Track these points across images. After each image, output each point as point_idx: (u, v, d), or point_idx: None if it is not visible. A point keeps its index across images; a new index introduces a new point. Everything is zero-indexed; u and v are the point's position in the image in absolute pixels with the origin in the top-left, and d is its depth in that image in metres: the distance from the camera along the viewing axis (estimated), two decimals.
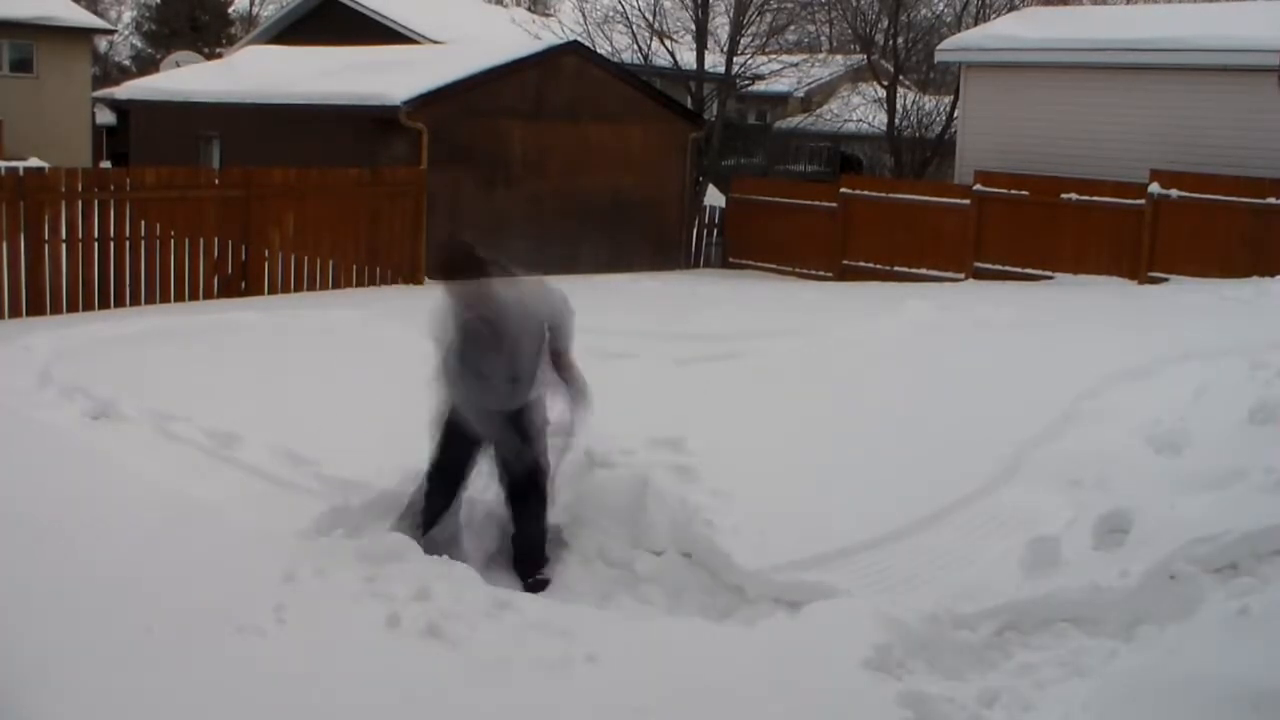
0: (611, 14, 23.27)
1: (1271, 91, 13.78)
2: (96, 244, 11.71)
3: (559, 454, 5.54)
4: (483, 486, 5.64)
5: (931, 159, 25.06)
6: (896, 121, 25.53)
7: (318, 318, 10.82)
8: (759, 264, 18.53)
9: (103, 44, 40.13)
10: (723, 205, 19.76)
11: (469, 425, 5.30)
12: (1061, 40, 17.34)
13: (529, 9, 35.27)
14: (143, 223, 12.11)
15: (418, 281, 14.74)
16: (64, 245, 11.44)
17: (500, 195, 16.27)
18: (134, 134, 20.32)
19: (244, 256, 12.91)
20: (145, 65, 38.96)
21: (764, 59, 24.31)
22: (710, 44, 22.84)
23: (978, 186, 16.35)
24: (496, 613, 4.47)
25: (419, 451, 6.30)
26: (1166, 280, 14.34)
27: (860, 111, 28.47)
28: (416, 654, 4.17)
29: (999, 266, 15.94)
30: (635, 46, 23.04)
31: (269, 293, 13.07)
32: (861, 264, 17.29)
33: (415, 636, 4.28)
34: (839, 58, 34.68)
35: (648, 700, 3.92)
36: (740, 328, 10.15)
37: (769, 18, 23.60)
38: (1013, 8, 25.52)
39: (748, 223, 18.98)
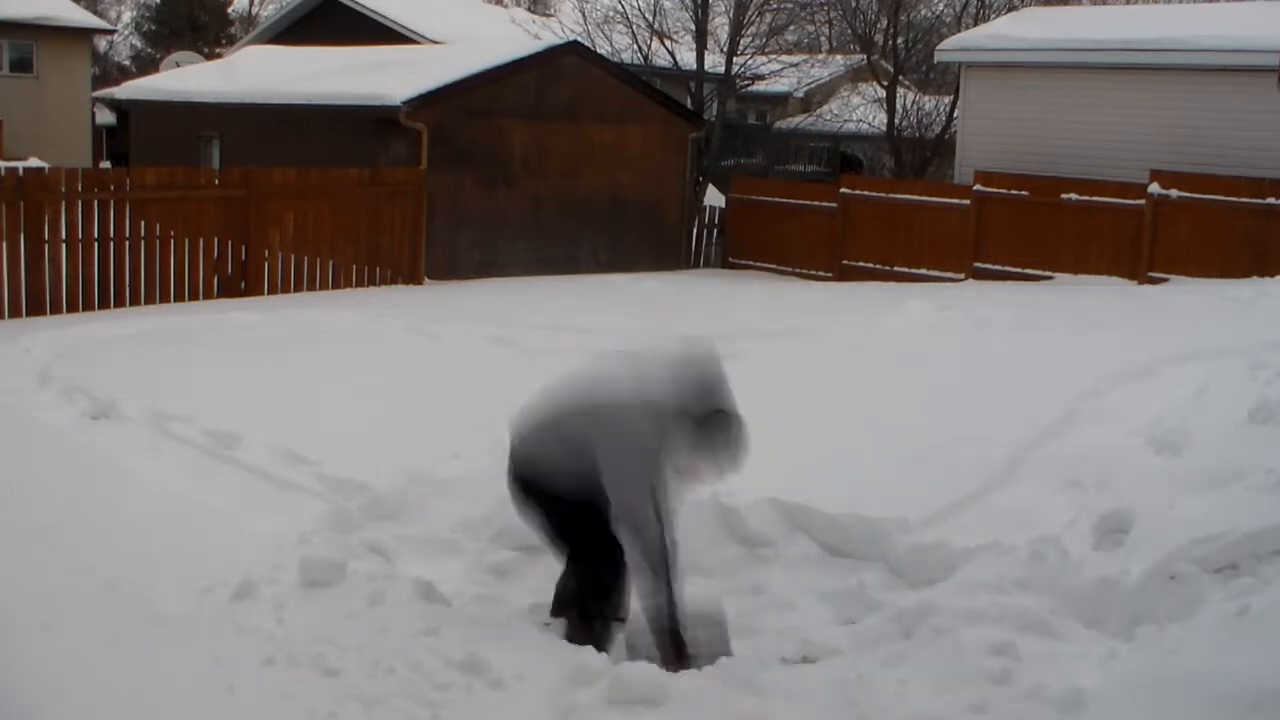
0: (611, 14, 23.27)
1: (1271, 91, 13.76)
2: (96, 244, 11.72)
3: None
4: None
5: (931, 159, 25.05)
6: (896, 121, 25.52)
7: (317, 318, 10.82)
8: (759, 264, 18.52)
9: (103, 44, 40.11)
10: (723, 205, 19.75)
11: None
12: (1061, 40, 17.33)
13: (529, 9, 35.26)
14: (142, 223, 12.11)
15: (417, 281, 14.75)
16: (64, 245, 11.45)
17: (500, 195, 16.27)
18: (134, 134, 20.33)
19: (244, 256, 12.91)
20: (145, 65, 38.95)
21: (764, 59, 24.28)
22: (710, 44, 22.83)
23: (978, 186, 16.34)
24: None
25: (418, 451, 6.31)
26: (1166, 280, 14.33)
27: (860, 111, 28.44)
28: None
29: (999, 267, 15.93)
30: (635, 46, 23.02)
31: (269, 293, 13.07)
32: (861, 264, 17.28)
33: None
34: (839, 58, 34.64)
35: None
36: (740, 328, 10.15)
37: (769, 18, 23.59)
38: (1012, 8, 25.50)
39: (748, 223, 18.97)
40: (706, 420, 4.29)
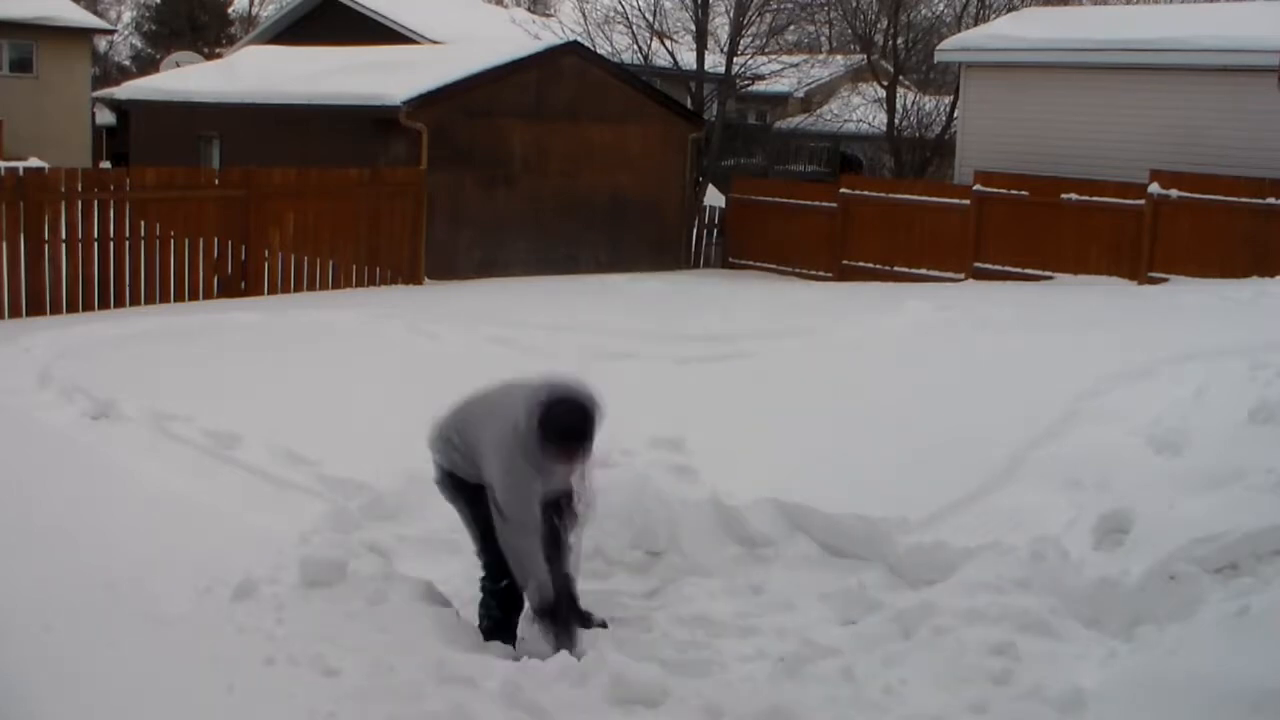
0: (611, 14, 23.27)
1: (1271, 91, 13.76)
2: (96, 244, 11.72)
3: None
4: None
5: (931, 159, 25.04)
6: (896, 121, 25.52)
7: (317, 318, 10.82)
8: (759, 264, 18.52)
9: (103, 44, 40.08)
10: (723, 205, 19.76)
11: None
12: (1061, 40, 17.32)
13: (529, 9, 35.26)
14: (143, 223, 12.12)
15: (417, 281, 14.76)
16: (64, 245, 11.45)
17: (500, 195, 16.27)
18: (134, 134, 20.33)
19: (244, 256, 12.91)
20: (145, 65, 38.94)
21: (764, 59, 24.28)
22: (710, 44, 22.83)
23: (977, 186, 16.34)
24: None
25: (418, 451, 6.29)
26: (1166, 280, 14.32)
27: (860, 111, 28.44)
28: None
29: (999, 267, 15.93)
30: (635, 46, 23.02)
31: (269, 293, 13.08)
32: (861, 264, 17.28)
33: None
34: (839, 58, 34.64)
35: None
36: (740, 328, 10.15)
37: (769, 18, 23.60)
38: (1012, 8, 25.50)
39: (748, 223, 18.97)
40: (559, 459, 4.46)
